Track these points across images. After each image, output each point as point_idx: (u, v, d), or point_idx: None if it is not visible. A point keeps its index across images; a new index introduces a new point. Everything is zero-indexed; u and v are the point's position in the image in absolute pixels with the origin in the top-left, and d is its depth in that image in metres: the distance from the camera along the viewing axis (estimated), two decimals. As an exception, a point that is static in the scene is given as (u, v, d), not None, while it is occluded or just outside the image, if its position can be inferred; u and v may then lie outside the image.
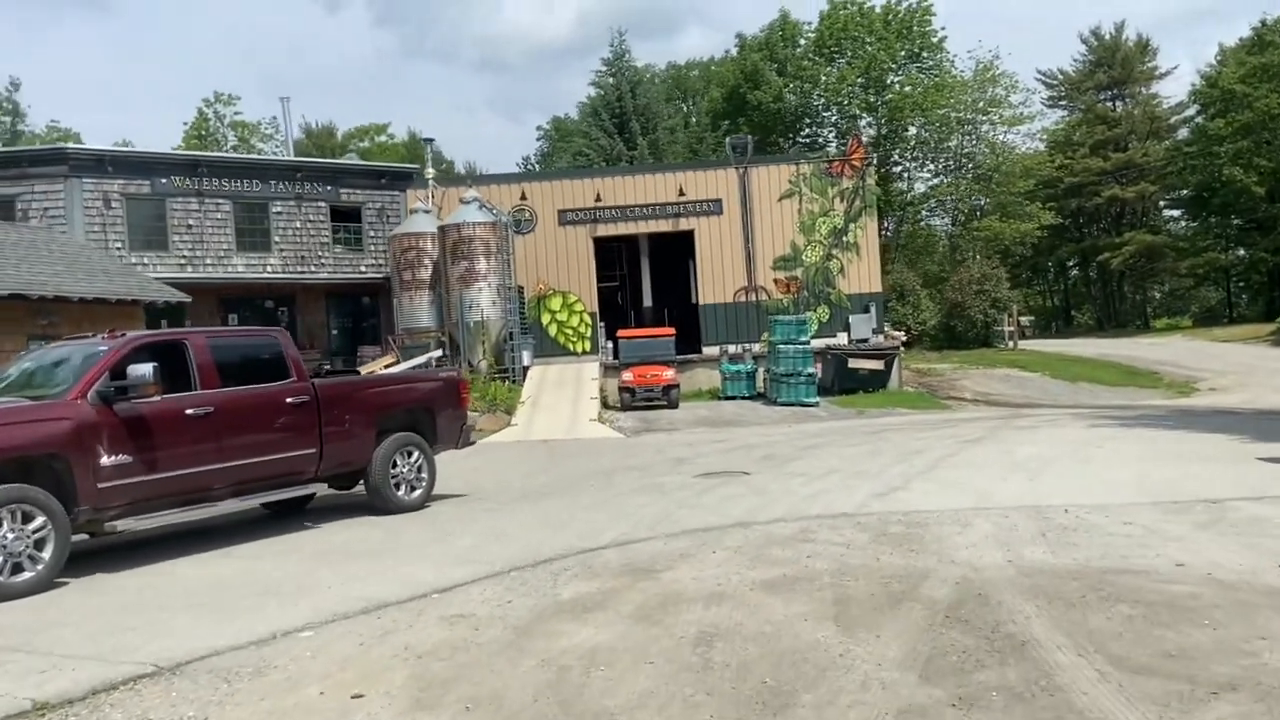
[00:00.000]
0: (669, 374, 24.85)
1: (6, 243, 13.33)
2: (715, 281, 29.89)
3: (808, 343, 24.84)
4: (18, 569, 7.12)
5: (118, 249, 25.08)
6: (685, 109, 60.75)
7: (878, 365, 26.71)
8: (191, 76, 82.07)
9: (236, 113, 52.17)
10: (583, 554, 7.82)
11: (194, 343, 8.65)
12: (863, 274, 30.07)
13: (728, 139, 32.51)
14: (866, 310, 29.49)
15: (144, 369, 7.75)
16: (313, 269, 27.93)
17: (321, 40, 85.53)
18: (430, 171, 29.92)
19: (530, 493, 11.80)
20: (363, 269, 28.69)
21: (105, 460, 7.58)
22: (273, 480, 9.07)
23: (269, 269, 27.26)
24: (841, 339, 28.83)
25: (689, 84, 63.98)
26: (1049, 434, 16.13)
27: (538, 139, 58.77)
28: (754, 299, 29.77)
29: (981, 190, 48.24)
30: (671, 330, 27.07)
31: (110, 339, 8.35)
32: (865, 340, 28.61)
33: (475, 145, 75.18)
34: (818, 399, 24.18)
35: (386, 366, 12.30)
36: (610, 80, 49.75)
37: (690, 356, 29.60)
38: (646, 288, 32.24)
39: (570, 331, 29.70)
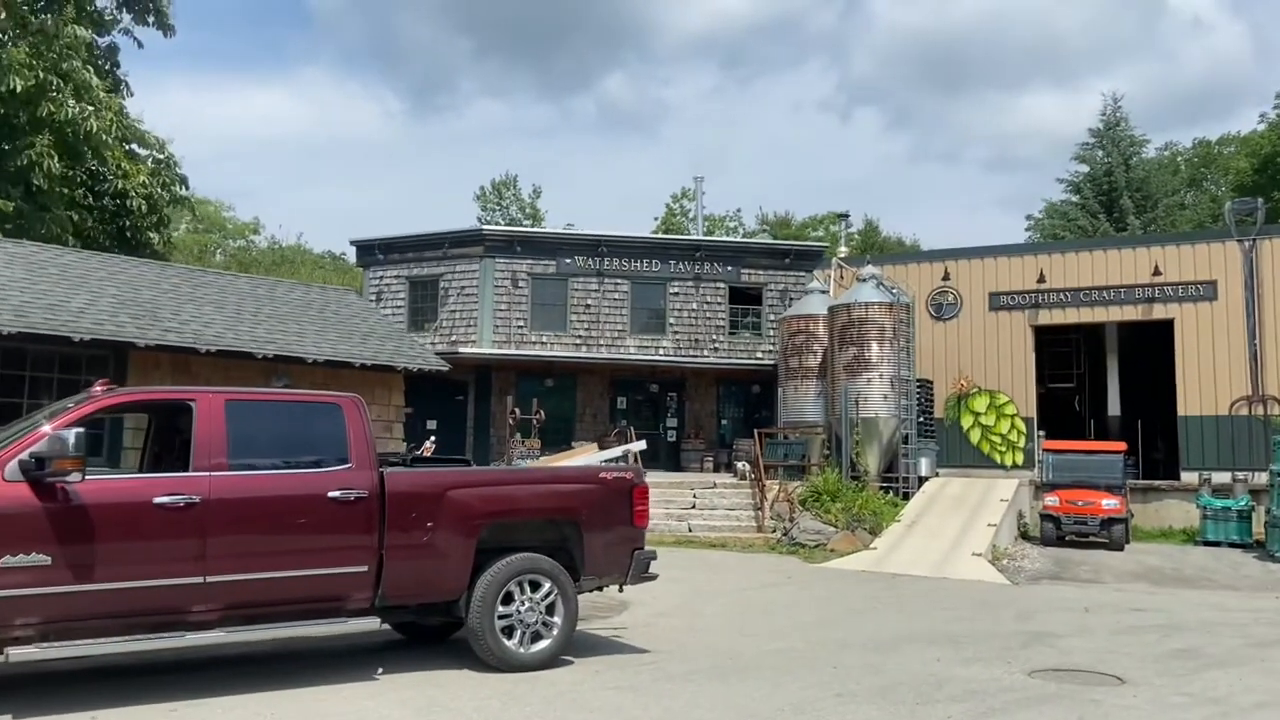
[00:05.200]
0: (1110, 503, 18.73)
1: (254, 300, 12.81)
2: (1202, 387, 22.63)
3: (1332, 476, 17.20)
4: None
5: (520, 326, 25.51)
6: (1208, 187, 50.55)
7: None
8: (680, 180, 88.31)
9: (703, 207, 53.50)
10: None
11: (205, 406, 6.52)
12: None
13: (1229, 203, 25.00)
14: None
15: (65, 436, 5.73)
16: (705, 353, 26.16)
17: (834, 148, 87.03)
18: (843, 250, 26.86)
19: (746, 662, 8.03)
20: (759, 355, 26.29)
21: (7, 559, 5.60)
22: (292, 606, 6.57)
23: (661, 351, 26.00)
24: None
25: (1219, 161, 53.32)
26: None
27: (1026, 229, 52.64)
28: (1261, 413, 21.97)
29: None
30: (1121, 445, 20.74)
31: (100, 390, 6.52)
32: None
33: (960, 239, 70.22)
34: (1345, 560, 16.50)
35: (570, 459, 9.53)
36: (1099, 153, 42.69)
37: (1159, 484, 22.67)
38: (1113, 392, 25.69)
39: (997, 439, 24.33)
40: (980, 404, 24.54)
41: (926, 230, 78.34)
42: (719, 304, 26.38)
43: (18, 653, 5.69)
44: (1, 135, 17.77)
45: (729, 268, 26.55)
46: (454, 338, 25.44)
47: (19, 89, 16.53)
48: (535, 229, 38.65)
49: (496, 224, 48.96)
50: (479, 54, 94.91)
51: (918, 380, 22.11)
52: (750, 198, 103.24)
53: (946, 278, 25.11)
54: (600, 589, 8.17)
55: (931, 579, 14.48)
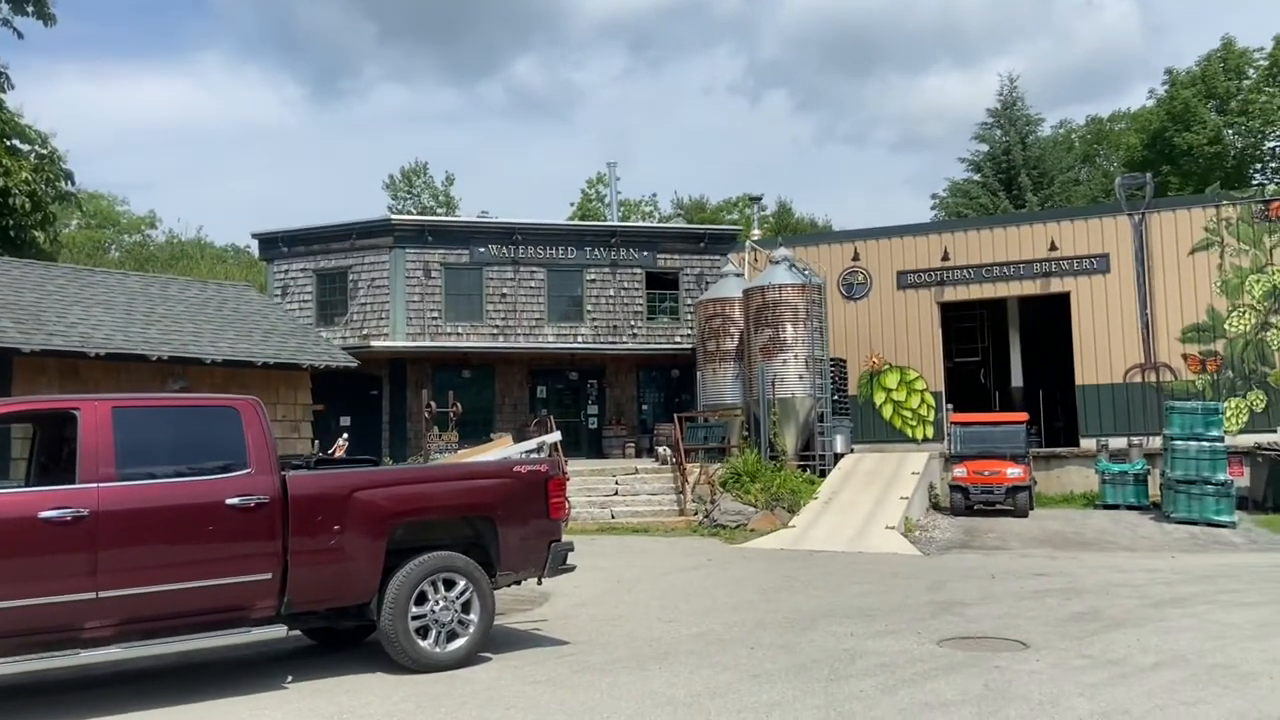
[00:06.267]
0: (1014, 471, 19.37)
1: (147, 299, 12.36)
2: (1099, 357, 23.51)
3: (1220, 438, 18.05)
4: None
5: (434, 318, 25.13)
6: (1101, 163, 52.37)
7: (1338, 475, 18.88)
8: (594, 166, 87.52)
9: (618, 192, 53.38)
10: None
11: (90, 414, 6.25)
12: (1319, 347, 22.03)
13: (1119, 178, 25.94)
14: (1324, 397, 21.40)
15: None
16: (624, 339, 26.14)
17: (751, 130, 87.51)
18: (756, 233, 27.09)
19: (665, 649, 8.06)
20: (677, 339, 26.38)
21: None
22: (193, 619, 6.35)
23: (579, 338, 25.90)
24: (1282, 435, 21.12)
25: (1111, 137, 55.20)
26: None
27: (931, 207, 53.84)
28: (1154, 379, 22.93)
29: None
30: (1023, 416, 21.45)
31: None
32: (1321, 438, 20.63)
33: (870, 220, 71.47)
34: (1233, 517, 17.36)
35: (479, 454, 9.43)
36: (997, 132, 43.86)
37: (1061, 451, 23.55)
38: (1016, 364, 26.55)
39: (908, 414, 24.93)
40: (891, 380, 25.09)
41: (837, 211, 79.92)
42: (636, 289, 26.36)
43: (-106, 682, 5.40)
44: None
45: (645, 253, 26.54)
46: (365, 331, 24.94)
47: (-118, 83, 15.62)
48: (447, 218, 38.03)
49: (408, 213, 48.12)
50: (383, 38, 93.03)
51: (831, 359, 22.48)
52: (665, 182, 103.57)
53: (856, 258, 25.56)
54: (518, 583, 8.11)
55: (847, 554, 14.76)
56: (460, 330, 25.31)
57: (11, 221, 19.02)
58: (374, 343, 24.36)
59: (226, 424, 6.70)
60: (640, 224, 40.25)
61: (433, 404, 20.43)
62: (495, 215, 28.93)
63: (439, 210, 52.50)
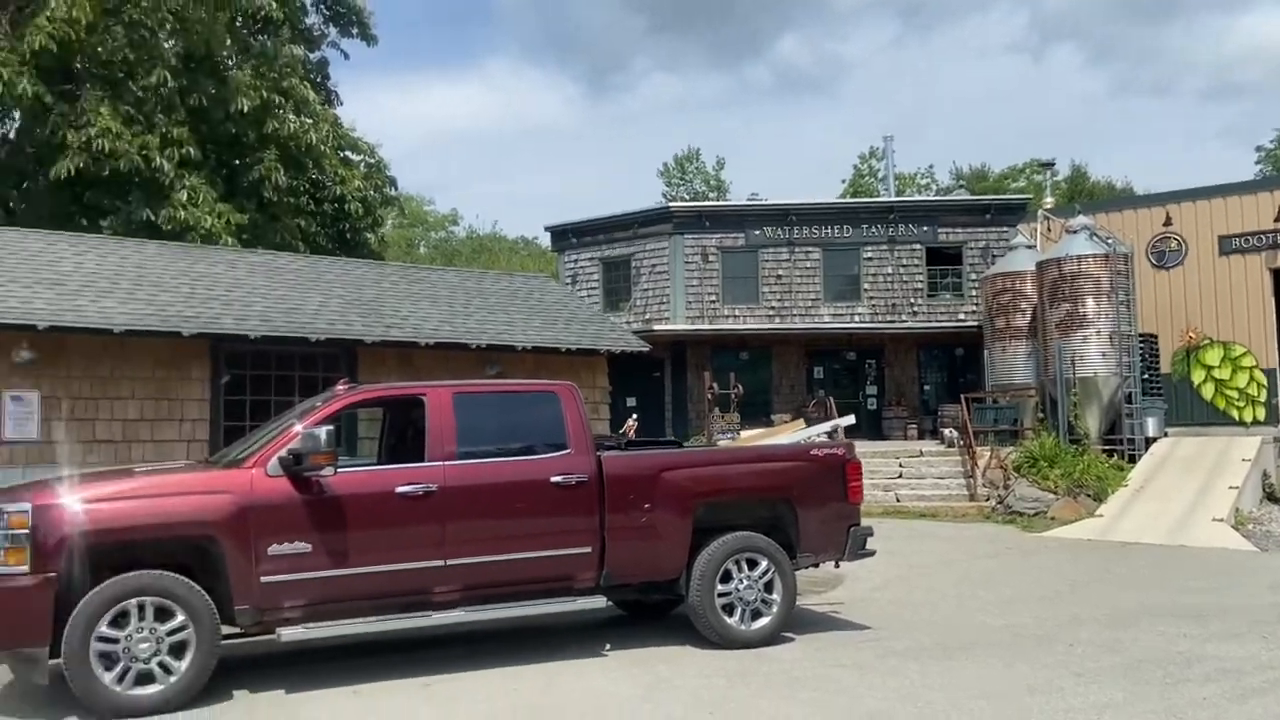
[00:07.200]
0: (1375, 461, 16.90)
1: (464, 292, 13.44)
2: None
3: None
4: (145, 679, 5.86)
5: (712, 301, 25.63)
6: None
7: None
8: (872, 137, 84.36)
9: (894, 166, 51.75)
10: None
11: (435, 399, 6.93)
12: None
13: None
14: None
15: (318, 433, 6.24)
16: (903, 318, 25.38)
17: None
18: (1048, 200, 25.34)
19: (971, 639, 7.81)
20: (961, 316, 25.24)
21: (275, 548, 6.18)
22: (524, 587, 6.90)
23: (856, 318, 25.43)
24: None
25: None
26: None
27: (1256, 161, 47.78)
28: None
29: None
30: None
31: (339, 390, 7.05)
32: None
33: (1180, 180, 64.36)
34: None
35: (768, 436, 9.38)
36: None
37: None
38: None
39: (1234, 394, 22.38)
40: (1212, 357, 22.61)
41: (1139, 172, 72.63)
42: (916, 266, 25.50)
43: (288, 633, 6.30)
44: (235, 153, 19.56)
45: (925, 228, 25.59)
46: (648, 316, 25.84)
47: (247, 109, 18.14)
48: (722, 203, 38.53)
49: (682, 199, 49.23)
50: (651, 30, 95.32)
51: (1140, 335, 20.62)
52: (942, 153, 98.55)
53: (1168, 223, 23.19)
54: (815, 565, 8.15)
55: (1166, 547, 13.55)
56: (737, 313, 25.62)
57: (347, 225, 21.53)
58: (656, 326, 25.18)
59: (548, 407, 7.23)
60: (919, 198, 38.79)
61: (715, 386, 20.84)
62: (765, 197, 28.91)
63: (710, 195, 53.26)
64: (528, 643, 7.66)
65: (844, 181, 53.22)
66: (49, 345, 9.47)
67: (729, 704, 6.01)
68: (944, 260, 25.72)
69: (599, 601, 7.15)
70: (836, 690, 6.32)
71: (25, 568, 5.68)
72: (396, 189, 24.96)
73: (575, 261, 27.66)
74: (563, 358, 12.20)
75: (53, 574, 5.70)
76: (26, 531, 5.69)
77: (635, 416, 20.94)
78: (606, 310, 25.85)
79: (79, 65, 17.16)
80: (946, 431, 21.10)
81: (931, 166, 58.67)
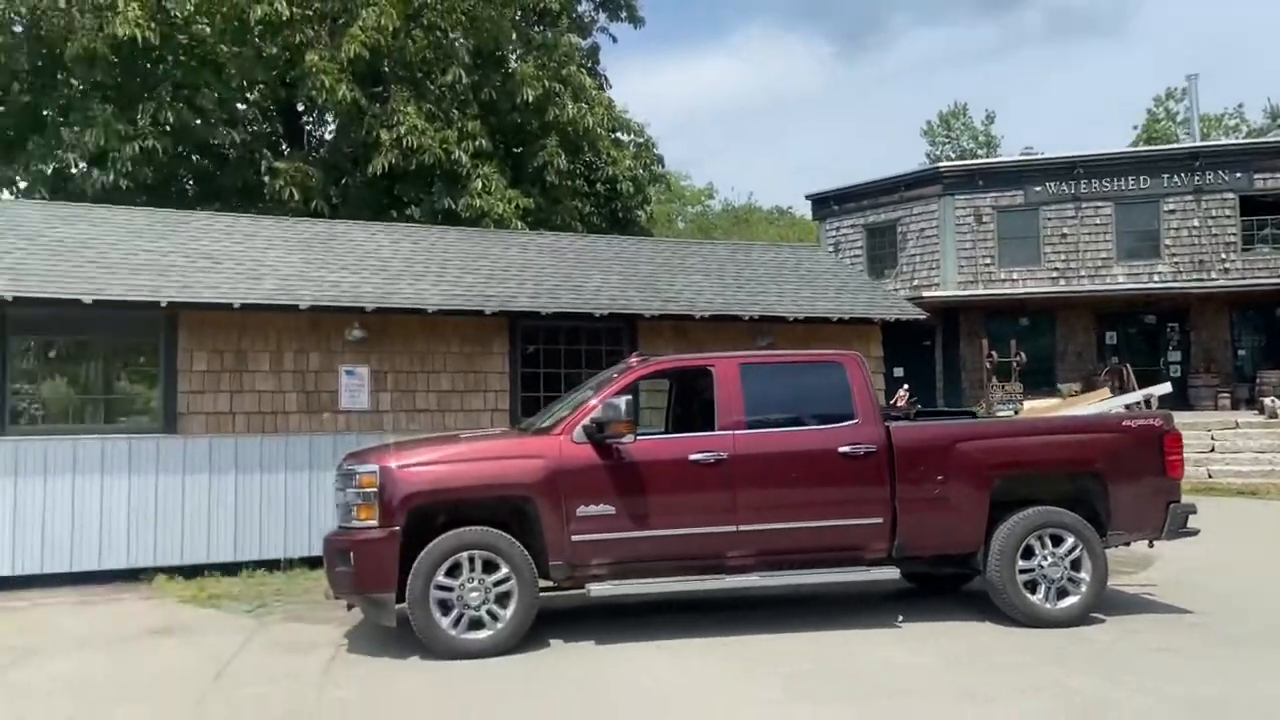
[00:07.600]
0: None
1: (734, 264, 13.57)
2: None
3: None
4: (475, 625, 6.50)
5: (986, 264, 24.38)
6: None
7: None
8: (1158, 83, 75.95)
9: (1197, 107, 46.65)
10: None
11: (724, 370, 7.10)
12: None
13: None
14: None
15: (618, 403, 6.57)
16: (1213, 275, 22.95)
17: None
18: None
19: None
20: (1283, 272, 22.47)
21: (582, 509, 6.60)
22: (815, 555, 6.95)
23: (1156, 277, 23.29)
24: None
25: None
26: None
27: None
28: None
29: None
30: None
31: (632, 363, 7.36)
32: None
33: None
34: None
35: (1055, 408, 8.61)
36: None
37: None
38: None
39: None
40: None
41: None
42: (1227, 218, 22.95)
43: (597, 588, 6.75)
44: (520, 141, 20.85)
45: (1237, 174, 22.95)
46: (915, 282, 24.97)
47: (531, 99, 19.27)
48: (997, 159, 36.39)
49: (948, 158, 47.00)
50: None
51: None
52: (1253, 89, 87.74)
53: None
54: (1127, 544, 7.63)
55: None
56: (1015, 275, 24.21)
57: (619, 204, 22.37)
58: (925, 293, 24.25)
59: (833, 377, 7.24)
60: (1229, 141, 34.71)
61: (994, 354, 19.82)
62: (1041, 150, 26.97)
63: (979, 152, 50.33)
64: (820, 610, 7.72)
65: (1135, 128, 48.62)
66: (376, 324, 10.58)
67: (1043, 682, 5.78)
68: (1261, 209, 23.00)
69: (892, 572, 7.08)
70: (1159, 675, 5.92)
71: (374, 522, 6.45)
72: (664, 166, 25.56)
73: (837, 229, 27.17)
74: (834, 327, 12.07)
75: (396, 528, 6.43)
76: (375, 490, 6.45)
77: (906, 386, 20.35)
78: (870, 278, 25.27)
79: (386, 68, 18.88)
80: (1267, 401, 18.94)
81: (1241, 106, 52.30)
